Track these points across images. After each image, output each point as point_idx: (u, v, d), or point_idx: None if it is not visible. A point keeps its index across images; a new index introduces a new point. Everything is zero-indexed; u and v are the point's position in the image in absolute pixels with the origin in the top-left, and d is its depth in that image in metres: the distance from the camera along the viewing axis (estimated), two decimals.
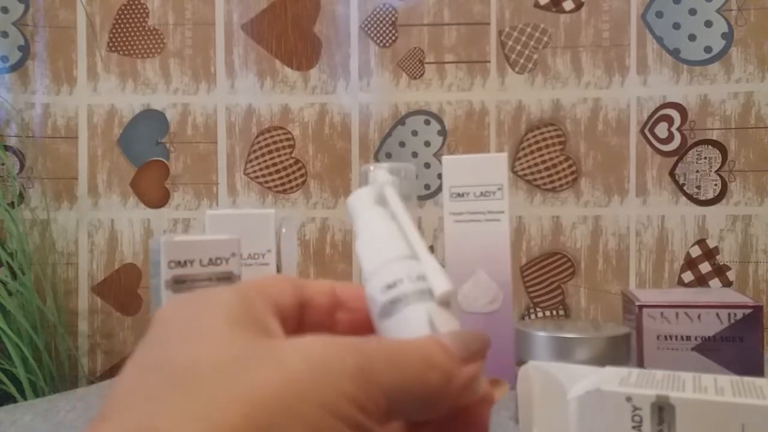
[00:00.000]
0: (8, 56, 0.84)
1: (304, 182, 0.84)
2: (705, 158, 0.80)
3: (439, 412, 0.21)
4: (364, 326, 0.24)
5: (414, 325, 0.22)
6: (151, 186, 0.85)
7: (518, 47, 0.83)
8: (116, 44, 0.85)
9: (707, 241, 0.80)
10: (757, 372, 0.52)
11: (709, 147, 0.80)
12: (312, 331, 0.22)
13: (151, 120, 0.85)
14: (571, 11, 0.83)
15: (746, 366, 0.51)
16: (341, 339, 0.19)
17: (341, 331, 0.24)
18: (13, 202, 0.82)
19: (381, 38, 0.84)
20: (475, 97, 0.83)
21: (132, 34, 0.85)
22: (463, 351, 0.21)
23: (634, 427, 0.27)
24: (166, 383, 0.17)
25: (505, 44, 0.83)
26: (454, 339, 0.21)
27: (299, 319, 0.23)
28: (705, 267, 0.80)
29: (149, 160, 0.85)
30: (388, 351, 0.20)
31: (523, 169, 0.83)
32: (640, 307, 0.48)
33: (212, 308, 0.20)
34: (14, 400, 0.69)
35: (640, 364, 0.49)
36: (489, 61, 0.83)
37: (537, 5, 0.83)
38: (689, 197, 0.80)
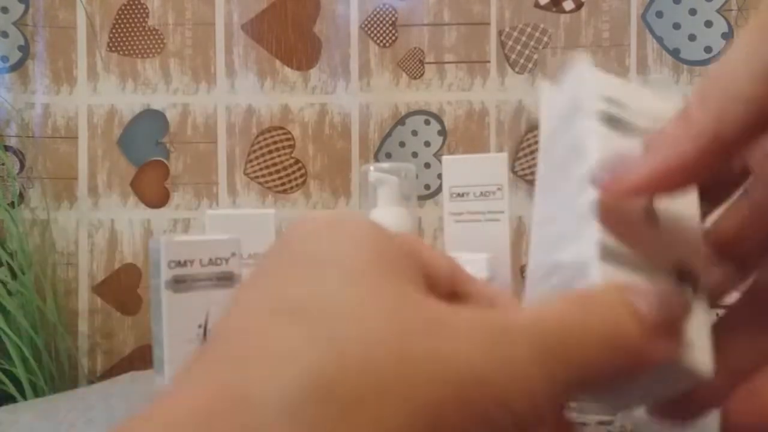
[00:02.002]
0: (8, 56, 0.84)
1: (304, 182, 0.84)
2: None
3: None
4: None
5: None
6: (151, 186, 0.85)
7: (518, 47, 0.83)
8: (116, 44, 0.85)
9: None
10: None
11: None
12: None
13: (151, 120, 0.85)
14: (571, 11, 0.82)
15: None
16: (517, 327, 0.15)
17: None
18: (13, 202, 0.81)
19: (381, 38, 0.84)
20: (475, 97, 0.83)
21: (132, 34, 0.85)
22: (659, 318, 0.16)
23: None
24: (280, 332, 0.14)
25: (505, 44, 0.83)
26: (648, 299, 0.17)
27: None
28: None
29: (149, 160, 0.85)
30: (570, 328, 0.16)
31: (523, 169, 0.83)
32: None
33: (361, 238, 0.17)
34: (14, 400, 0.69)
35: None
36: (489, 61, 0.83)
37: (537, 5, 0.83)
38: None
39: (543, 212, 0.26)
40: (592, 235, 0.19)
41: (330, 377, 0.13)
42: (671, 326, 0.17)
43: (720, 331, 0.19)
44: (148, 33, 0.85)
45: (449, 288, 0.20)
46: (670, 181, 0.19)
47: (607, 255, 0.19)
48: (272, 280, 0.16)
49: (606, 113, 0.22)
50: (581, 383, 0.16)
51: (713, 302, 0.20)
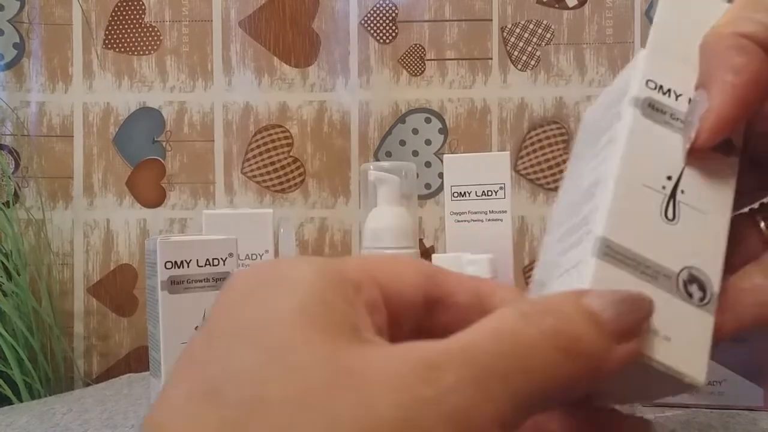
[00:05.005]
0: (3, 54, 0.83)
1: (302, 181, 0.83)
2: None
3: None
4: None
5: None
6: (147, 185, 0.84)
7: (521, 44, 0.82)
8: (112, 41, 0.84)
9: None
10: (758, 375, 0.51)
11: None
12: (441, 334, 0.16)
13: (148, 118, 0.84)
14: (574, 7, 0.82)
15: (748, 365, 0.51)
16: (443, 355, 0.15)
17: None
18: (8, 202, 0.81)
19: (381, 35, 0.83)
20: (476, 94, 0.82)
21: (128, 31, 0.84)
22: (616, 322, 0.16)
23: None
24: (205, 407, 0.14)
25: (508, 41, 0.82)
26: (605, 304, 0.16)
27: (426, 319, 0.19)
28: None
29: (145, 158, 0.84)
30: (508, 352, 0.15)
31: (525, 168, 0.82)
32: None
33: (285, 296, 0.16)
34: (10, 402, 0.68)
35: None
36: (491, 58, 0.82)
37: (540, 1, 0.82)
38: None
39: (565, 201, 0.24)
40: (596, 231, 0.18)
41: None
42: (631, 329, 0.16)
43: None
44: (145, 30, 0.84)
45: (424, 302, 0.19)
46: (734, 104, 0.19)
47: (610, 252, 0.18)
48: (192, 360, 0.16)
49: (648, 100, 0.21)
50: (531, 395, 0.15)
51: (745, 204, 0.20)
